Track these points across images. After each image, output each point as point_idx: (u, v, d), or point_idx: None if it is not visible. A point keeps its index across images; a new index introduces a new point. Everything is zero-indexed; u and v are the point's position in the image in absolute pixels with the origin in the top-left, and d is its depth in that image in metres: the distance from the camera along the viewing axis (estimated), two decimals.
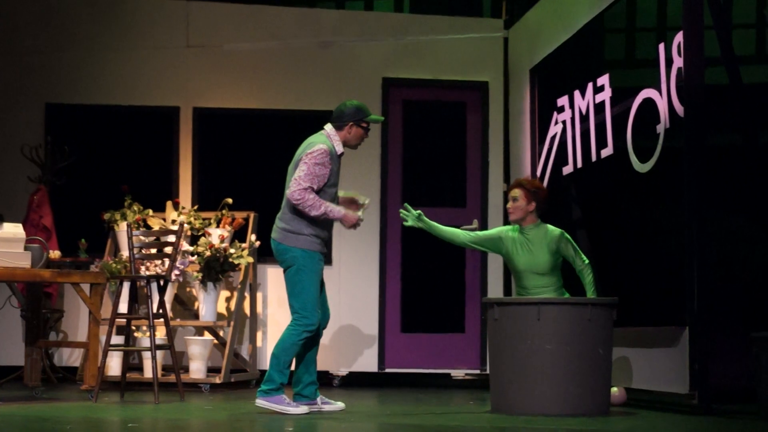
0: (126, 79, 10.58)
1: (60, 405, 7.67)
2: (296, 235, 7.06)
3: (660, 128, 7.40)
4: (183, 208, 9.89)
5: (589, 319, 6.93)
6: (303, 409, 7.00)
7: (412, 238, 10.61)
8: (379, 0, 15.35)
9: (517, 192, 7.71)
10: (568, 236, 7.66)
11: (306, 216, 7.02)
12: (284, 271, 7.16)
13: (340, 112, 7.21)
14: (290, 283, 7.10)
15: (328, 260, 10.49)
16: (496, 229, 7.90)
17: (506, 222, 10.49)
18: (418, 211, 7.74)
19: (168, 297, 9.49)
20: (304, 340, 7.04)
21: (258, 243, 9.94)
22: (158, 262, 9.33)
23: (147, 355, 9.35)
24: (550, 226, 7.70)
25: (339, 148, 7.17)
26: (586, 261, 7.62)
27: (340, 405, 7.31)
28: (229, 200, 9.77)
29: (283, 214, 7.15)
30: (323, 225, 7.13)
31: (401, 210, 7.79)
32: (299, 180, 6.99)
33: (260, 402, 7.01)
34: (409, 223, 7.73)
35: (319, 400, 7.25)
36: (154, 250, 9.21)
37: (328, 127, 7.22)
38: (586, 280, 7.56)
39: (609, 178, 8.25)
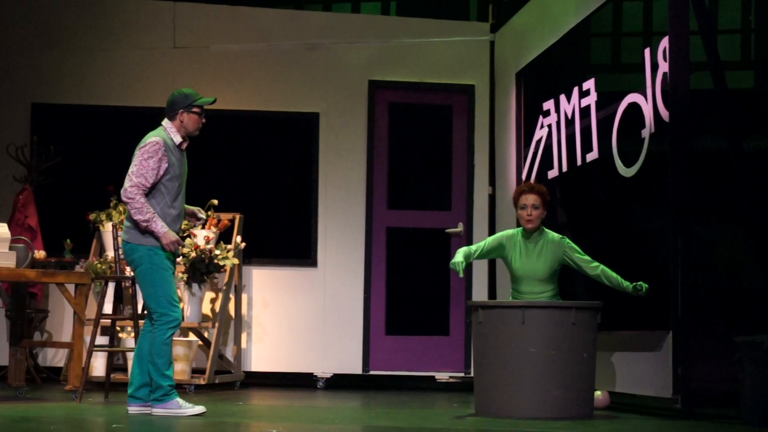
0: (112, 79, 10.56)
1: (44, 405, 7.65)
2: (142, 232, 6.91)
3: (645, 133, 7.41)
4: None
5: (574, 322, 6.94)
6: (200, 408, 6.93)
7: (397, 240, 10.63)
8: (366, 3, 15.35)
9: (536, 199, 7.49)
10: (570, 241, 7.50)
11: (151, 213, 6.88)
12: (134, 272, 7.04)
13: (170, 103, 7.08)
14: (142, 283, 6.95)
15: (313, 262, 10.49)
16: (493, 238, 7.69)
17: (491, 224, 10.52)
18: (464, 264, 7.38)
19: None
20: (172, 336, 6.91)
21: (243, 244, 9.94)
22: None
23: (131, 356, 9.33)
24: (550, 232, 7.56)
25: (177, 139, 7.04)
26: (595, 262, 7.37)
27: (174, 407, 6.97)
28: (215, 201, 9.76)
29: (128, 212, 6.99)
30: (170, 222, 6.97)
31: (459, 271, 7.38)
32: (131, 176, 6.92)
33: (156, 410, 6.89)
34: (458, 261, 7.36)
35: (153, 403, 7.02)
36: None
37: (164, 120, 7.09)
38: (613, 275, 7.26)
39: (594, 183, 8.27)
